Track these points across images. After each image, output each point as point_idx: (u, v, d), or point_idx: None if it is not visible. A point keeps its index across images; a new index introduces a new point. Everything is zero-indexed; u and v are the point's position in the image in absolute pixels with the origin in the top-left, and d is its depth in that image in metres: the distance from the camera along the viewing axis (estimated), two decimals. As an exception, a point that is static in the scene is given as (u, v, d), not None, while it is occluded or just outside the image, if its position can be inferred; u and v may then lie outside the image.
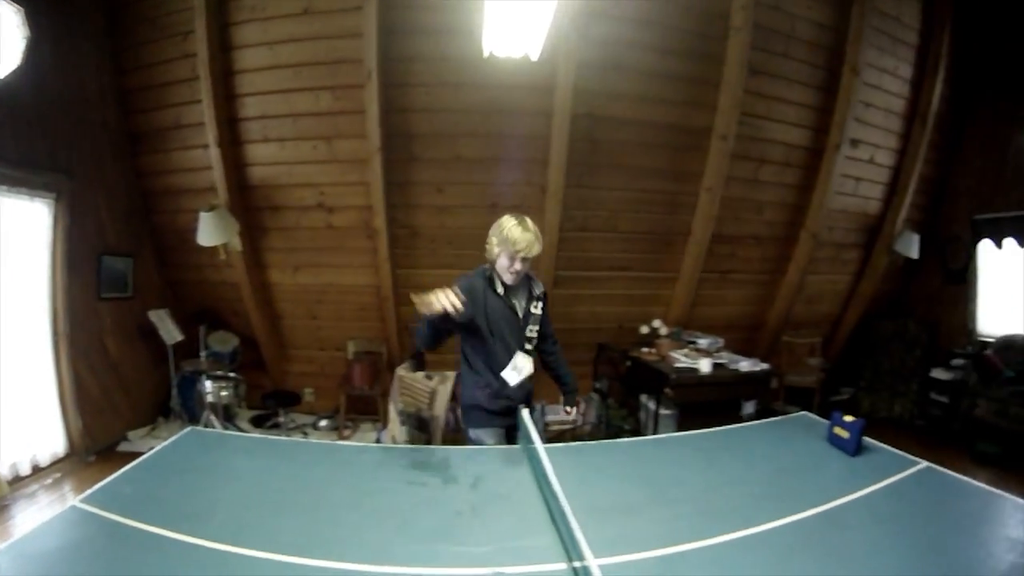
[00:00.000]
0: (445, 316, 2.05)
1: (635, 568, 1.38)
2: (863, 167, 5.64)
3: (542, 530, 1.47)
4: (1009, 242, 5.84)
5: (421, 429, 4.38)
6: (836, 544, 1.54)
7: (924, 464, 2.12)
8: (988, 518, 1.76)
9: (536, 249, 2.38)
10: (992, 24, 5.87)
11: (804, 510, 1.70)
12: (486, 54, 3.48)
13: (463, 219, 4.86)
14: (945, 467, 4.52)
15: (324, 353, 5.64)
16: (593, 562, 1.26)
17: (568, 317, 5.38)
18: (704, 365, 4.40)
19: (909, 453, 2.24)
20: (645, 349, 5.11)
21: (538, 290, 2.59)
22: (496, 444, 2.46)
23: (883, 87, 5.42)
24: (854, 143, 5.38)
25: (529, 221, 2.41)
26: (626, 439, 2.55)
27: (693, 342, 5.10)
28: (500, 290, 2.45)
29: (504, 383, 2.43)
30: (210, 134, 4.62)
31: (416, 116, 4.44)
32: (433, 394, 4.40)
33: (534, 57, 3.50)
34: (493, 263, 2.46)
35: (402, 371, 4.77)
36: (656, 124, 4.81)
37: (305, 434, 5.28)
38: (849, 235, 6.06)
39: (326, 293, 5.27)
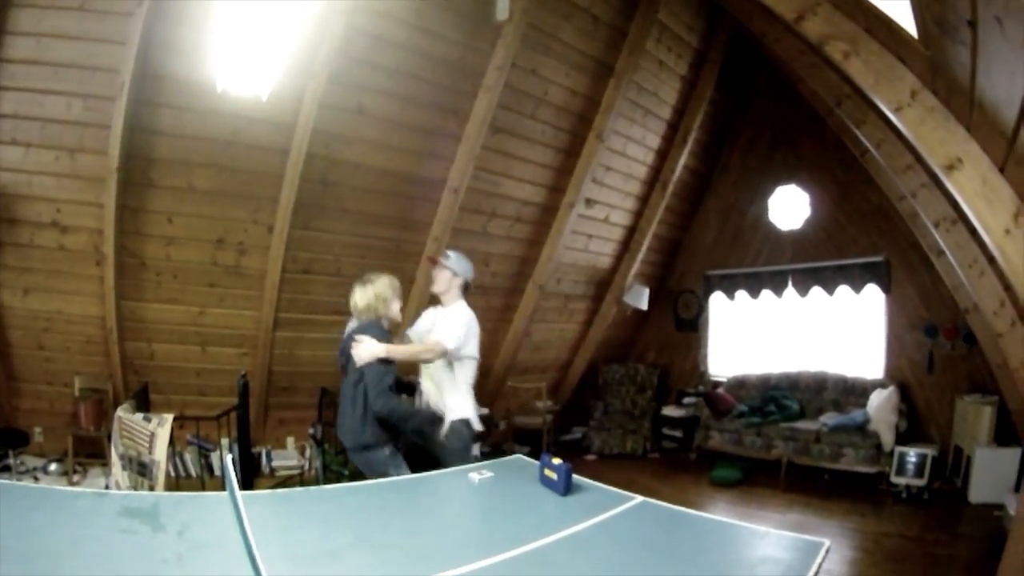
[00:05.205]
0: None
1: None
2: (597, 225, 6.24)
3: (244, 579, 1.40)
4: (741, 294, 6.85)
5: (143, 474, 4.12)
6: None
7: (639, 499, 2.19)
8: (700, 542, 1.89)
9: None
10: (736, 105, 6.86)
11: (510, 549, 1.66)
12: (219, 90, 3.33)
13: (188, 252, 4.64)
14: (688, 493, 5.03)
15: (52, 388, 5.03)
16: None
17: (290, 360, 5.29)
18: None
19: (646, 485, 2.36)
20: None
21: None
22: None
23: (627, 154, 6.00)
24: (589, 203, 5.94)
25: None
26: (331, 486, 2.44)
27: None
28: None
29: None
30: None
31: (159, 139, 4.17)
32: (153, 437, 4.16)
33: (264, 98, 3.37)
34: (382, 316, 2.86)
35: (122, 412, 4.42)
36: (391, 172, 4.86)
37: (36, 479, 4.71)
38: (578, 287, 6.60)
39: (54, 321, 4.74)
